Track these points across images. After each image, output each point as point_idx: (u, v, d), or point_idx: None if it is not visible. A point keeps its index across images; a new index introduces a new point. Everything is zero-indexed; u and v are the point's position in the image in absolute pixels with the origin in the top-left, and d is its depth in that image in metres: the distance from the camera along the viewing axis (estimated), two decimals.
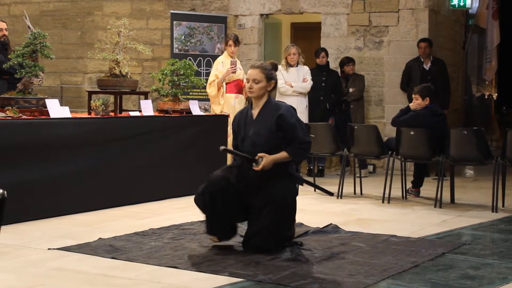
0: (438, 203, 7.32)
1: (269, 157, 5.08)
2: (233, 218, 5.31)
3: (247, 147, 5.22)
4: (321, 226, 6.03)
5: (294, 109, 5.38)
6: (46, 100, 6.66)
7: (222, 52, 9.52)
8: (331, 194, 5.90)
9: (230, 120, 8.47)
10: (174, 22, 10.64)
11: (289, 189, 5.21)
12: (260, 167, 5.07)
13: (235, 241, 5.33)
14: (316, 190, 5.90)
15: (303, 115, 9.38)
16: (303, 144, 5.18)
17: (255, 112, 5.30)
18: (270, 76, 5.28)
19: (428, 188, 8.12)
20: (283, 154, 5.13)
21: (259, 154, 5.10)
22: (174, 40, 10.61)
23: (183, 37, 10.61)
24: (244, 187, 5.20)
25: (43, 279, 4.32)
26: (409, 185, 8.08)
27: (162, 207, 7.09)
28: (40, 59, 6.87)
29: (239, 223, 5.44)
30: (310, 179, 8.70)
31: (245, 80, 5.55)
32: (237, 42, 8.89)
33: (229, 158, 7.65)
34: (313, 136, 8.32)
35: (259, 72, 5.26)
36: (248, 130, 5.25)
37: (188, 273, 4.52)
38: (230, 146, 5.84)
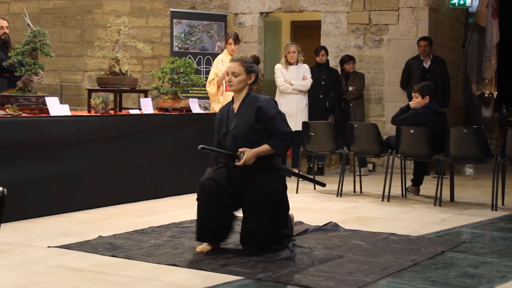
0: (437, 201, 7.32)
1: (250, 151, 5.01)
2: (228, 219, 5.17)
3: (229, 142, 5.14)
4: (320, 224, 6.04)
5: (275, 101, 5.33)
6: (46, 98, 6.67)
7: (222, 50, 9.51)
8: (323, 185, 5.85)
9: None
10: (174, 20, 10.64)
11: (276, 183, 5.09)
12: (242, 161, 5.00)
13: (234, 240, 5.32)
14: (315, 185, 5.84)
15: (303, 113, 9.39)
16: (283, 135, 5.09)
17: (235, 106, 5.21)
18: (250, 69, 5.19)
19: (428, 186, 8.12)
20: (264, 147, 5.05)
21: (240, 150, 5.03)
22: (174, 38, 10.60)
23: (183, 35, 10.61)
24: (233, 187, 5.11)
25: (43, 277, 4.32)
26: (408, 183, 8.08)
27: (161, 205, 7.09)
28: (40, 57, 6.87)
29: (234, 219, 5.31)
30: (310, 176, 8.72)
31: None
32: (237, 40, 8.89)
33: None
34: (313, 134, 8.34)
35: (239, 65, 5.17)
36: (229, 125, 5.17)
37: (188, 271, 4.52)
38: None
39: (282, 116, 5.19)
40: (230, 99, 5.38)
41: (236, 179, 5.10)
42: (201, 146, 5.07)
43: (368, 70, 10.52)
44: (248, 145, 5.05)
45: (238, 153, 5.04)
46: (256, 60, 5.34)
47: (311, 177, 5.60)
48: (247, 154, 5.00)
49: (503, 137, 7.36)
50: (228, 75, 5.21)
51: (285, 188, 5.19)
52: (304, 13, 11.10)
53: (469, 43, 13.81)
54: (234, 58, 5.35)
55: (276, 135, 5.08)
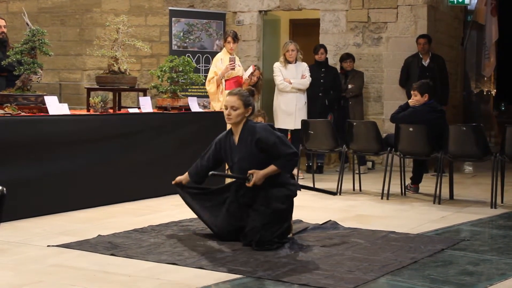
0: (437, 199, 7.33)
1: (259, 173, 5.20)
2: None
3: (237, 172, 5.36)
4: (320, 223, 6.04)
5: (271, 126, 5.48)
6: (45, 97, 6.67)
7: (221, 49, 9.51)
8: (333, 193, 5.98)
9: None
10: (173, 18, 10.63)
11: (284, 195, 5.27)
12: (251, 183, 5.20)
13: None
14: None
15: (302, 112, 9.39)
16: (289, 156, 5.23)
17: (235, 137, 5.40)
18: (247, 103, 5.36)
19: (427, 184, 8.13)
20: (272, 168, 5.22)
21: (250, 172, 5.23)
22: (172, 37, 10.60)
23: (181, 34, 10.60)
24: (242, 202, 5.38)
25: (42, 276, 4.32)
26: (408, 181, 8.08)
27: (161, 204, 7.09)
28: (39, 56, 6.87)
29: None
30: (309, 176, 8.73)
31: (222, 107, 5.67)
32: (236, 39, 8.88)
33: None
34: (312, 132, 8.34)
35: (237, 99, 5.33)
36: (233, 157, 5.38)
37: (187, 270, 4.53)
38: None
39: (282, 140, 5.32)
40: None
41: (244, 197, 5.37)
42: (211, 172, 5.38)
43: (367, 68, 10.53)
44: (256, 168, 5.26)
45: (247, 175, 5.23)
46: (252, 93, 5.52)
47: (322, 188, 5.76)
48: (256, 176, 5.20)
49: (502, 135, 7.36)
50: (226, 109, 5.36)
51: (291, 205, 5.34)
52: (303, 11, 11.11)
53: (468, 41, 13.82)
54: (231, 92, 5.50)
55: (283, 158, 5.24)
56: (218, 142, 5.53)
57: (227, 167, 5.71)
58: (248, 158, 5.27)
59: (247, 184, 5.23)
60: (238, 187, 5.39)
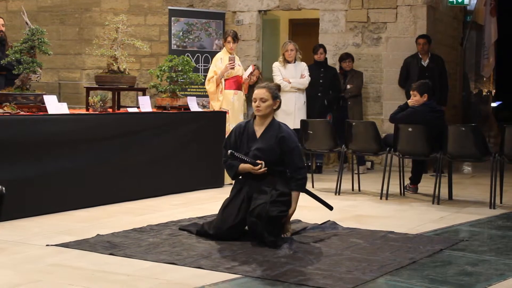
0: (436, 199, 7.33)
1: (293, 210, 5.48)
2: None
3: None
4: (319, 223, 6.04)
5: (295, 134, 5.69)
6: (44, 96, 6.66)
7: (220, 48, 9.50)
8: (330, 208, 6.05)
9: (229, 116, 8.47)
10: (172, 18, 10.63)
11: (284, 205, 5.41)
12: (261, 170, 5.38)
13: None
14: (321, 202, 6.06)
15: (301, 112, 9.38)
16: (299, 171, 5.49)
17: (258, 129, 5.56)
18: (275, 95, 5.57)
19: (426, 184, 8.13)
20: (295, 196, 5.47)
21: (259, 161, 5.40)
22: (172, 36, 10.60)
23: (181, 33, 10.60)
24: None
25: (41, 275, 4.32)
26: (407, 181, 8.08)
27: (160, 204, 7.09)
28: (38, 55, 6.86)
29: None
30: (308, 176, 8.71)
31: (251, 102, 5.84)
32: (236, 38, 8.88)
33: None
34: (311, 132, 8.34)
35: (266, 91, 5.53)
36: (251, 146, 5.51)
37: (186, 269, 4.53)
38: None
39: (300, 151, 5.60)
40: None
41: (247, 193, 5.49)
42: (230, 151, 5.44)
43: (366, 68, 10.53)
44: (267, 165, 5.42)
45: (258, 162, 5.41)
46: (279, 88, 5.76)
47: (323, 200, 5.90)
48: (291, 212, 5.47)
49: (501, 135, 7.36)
50: (255, 101, 5.54)
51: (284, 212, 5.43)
52: (302, 11, 11.11)
53: (467, 41, 13.82)
54: (260, 85, 5.74)
55: (292, 169, 5.49)
56: (234, 130, 5.66)
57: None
58: (266, 151, 5.43)
59: (253, 170, 5.37)
60: (242, 185, 5.51)
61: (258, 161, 5.41)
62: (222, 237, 5.33)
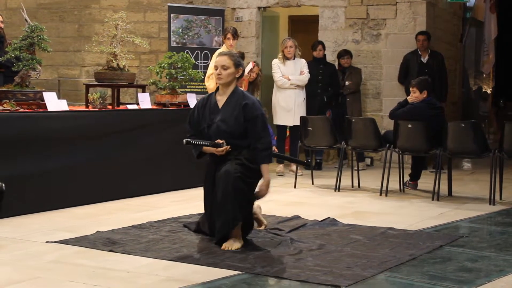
0: (435, 196, 7.33)
1: (267, 182, 5.12)
2: None
3: (213, 134, 5.23)
4: (318, 219, 6.04)
5: (260, 104, 5.41)
6: (44, 93, 6.66)
7: (220, 45, 9.48)
8: (307, 164, 5.86)
9: None
10: (172, 15, 10.62)
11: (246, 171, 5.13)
12: (222, 149, 5.13)
13: None
14: (298, 166, 5.75)
15: (301, 108, 9.38)
16: (263, 144, 5.13)
17: (221, 99, 5.32)
18: (238, 63, 5.32)
19: (426, 181, 8.13)
20: (264, 168, 5.13)
21: (218, 141, 5.14)
22: (171, 33, 10.59)
23: (180, 30, 10.59)
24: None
25: (40, 272, 4.32)
26: (406, 178, 8.08)
27: (159, 200, 7.09)
28: (38, 52, 6.86)
29: None
30: (308, 172, 8.72)
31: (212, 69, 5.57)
32: (235, 35, 8.87)
33: None
34: (310, 129, 8.34)
35: (228, 59, 5.29)
36: (214, 118, 5.26)
37: (186, 266, 4.53)
38: None
39: (264, 120, 5.27)
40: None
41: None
42: (186, 140, 5.18)
43: (366, 65, 10.52)
44: (231, 138, 5.16)
45: (217, 142, 5.15)
46: (242, 55, 5.44)
47: (294, 158, 5.57)
48: (265, 187, 5.12)
49: (501, 132, 7.36)
50: (217, 69, 5.31)
51: (251, 178, 5.16)
52: (302, 8, 11.10)
53: (467, 38, 13.81)
54: (222, 53, 5.50)
55: (254, 139, 5.14)
56: (199, 102, 5.46)
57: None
58: (229, 121, 5.18)
59: (216, 151, 5.15)
60: (213, 172, 5.24)
61: (219, 141, 5.14)
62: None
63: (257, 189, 5.19)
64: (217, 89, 5.41)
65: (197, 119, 5.38)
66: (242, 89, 5.40)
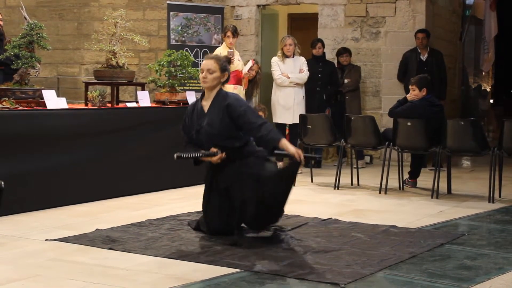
0: (435, 193, 7.33)
1: (293, 151, 5.03)
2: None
3: (204, 138, 5.25)
4: (318, 217, 6.04)
5: (242, 99, 5.44)
6: (43, 91, 6.66)
7: (219, 43, 9.48)
8: (314, 159, 5.85)
9: None
10: (171, 13, 10.62)
11: (257, 165, 5.19)
12: (217, 158, 5.14)
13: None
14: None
15: (300, 106, 9.38)
16: (266, 129, 5.11)
17: (206, 103, 5.33)
18: (224, 67, 5.31)
19: (425, 178, 8.13)
20: (283, 143, 5.07)
21: (212, 149, 5.16)
22: (170, 31, 10.58)
23: (179, 28, 10.59)
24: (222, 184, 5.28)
25: (40, 270, 4.32)
26: (406, 176, 8.08)
27: (159, 198, 7.09)
28: (37, 50, 6.85)
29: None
30: (307, 170, 8.72)
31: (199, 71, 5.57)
32: (235, 33, 8.87)
33: None
34: (310, 127, 8.34)
35: (214, 63, 5.29)
36: (201, 122, 5.27)
37: (186, 264, 4.53)
38: None
39: (252, 110, 5.31)
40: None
41: (222, 177, 5.26)
42: (176, 155, 5.18)
43: (365, 63, 10.52)
44: (222, 140, 5.17)
45: (212, 151, 5.16)
46: (228, 60, 5.45)
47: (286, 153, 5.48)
48: (298, 153, 5.02)
49: (500, 129, 7.36)
50: (202, 72, 5.30)
51: (269, 167, 5.21)
52: (301, 6, 11.09)
53: (466, 36, 13.81)
54: (208, 56, 5.48)
55: (254, 131, 5.15)
56: (189, 109, 5.46)
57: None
58: (217, 124, 5.19)
59: (212, 160, 5.16)
60: (213, 175, 5.30)
61: (213, 150, 5.15)
62: (214, 233, 5.30)
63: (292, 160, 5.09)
64: (203, 94, 5.40)
65: (188, 126, 5.41)
66: (224, 89, 5.40)
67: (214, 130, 5.20)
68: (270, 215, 5.24)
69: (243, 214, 5.16)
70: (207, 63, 5.30)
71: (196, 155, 5.20)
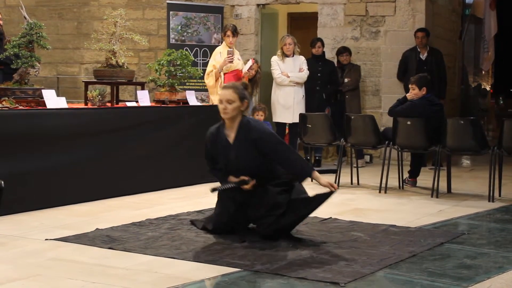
0: (434, 193, 7.33)
1: (325, 182, 5.24)
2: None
3: (232, 169, 5.24)
4: (318, 216, 6.03)
5: (266, 125, 5.51)
6: (43, 91, 6.66)
7: (219, 42, 9.48)
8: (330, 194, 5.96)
9: None
10: (171, 12, 10.61)
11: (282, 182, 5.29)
12: (250, 185, 5.15)
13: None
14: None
15: (300, 105, 9.39)
16: (302, 163, 5.28)
17: (230, 134, 5.27)
18: (243, 96, 5.22)
19: (425, 178, 8.13)
20: (315, 176, 5.25)
21: (243, 177, 5.15)
22: (170, 30, 10.58)
23: (179, 27, 10.59)
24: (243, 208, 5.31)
25: (40, 270, 4.32)
26: (405, 175, 8.08)
27: (159, 198, 7.09)
28: (37, 50, 6.85)
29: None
30: None
31: (217, 101, 5.56)
32: (235, 32, 8.87)
33: None
34: (310, 126, 8.34)
35: (232, 92, 5.19)
36: (228, 155, 5.24)
37: (185, 263, 4.53)
38: None
39: (279, 139, 5.29)
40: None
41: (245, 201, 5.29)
42: (212, 187, 5.23)
43: (365, 62, 10.52)
44: (251, 171, 5.17)
45: (246, 179, 5.16)
46: (245, 86, 5.40)
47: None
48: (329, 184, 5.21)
49: (500, 128, 7.36)
50: (221, 103, 5.21)
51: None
52: (301, 5, 11.09)
53: (466, 35, 13.81)
54: (226, 86, 5.39)
55: (286, 165, 5.24)
56: (209, 138, 5.40)
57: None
58: (245, 157, 5.18)
59: (245, 187, 5.16)
60: (232, 199, 5.33)
61: (244, 178, 5.14)
62: (220, 231, 5.31)
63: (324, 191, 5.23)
64: (223, 122, 5.33)
65: (211, 155, 5.38)
66: (246, 117, 5.32)
67: (243, 165, 5.18)
68: (289, 229, 5.30)
69: (276, 220, 5.17)
70: (225, 93, 5.20)
71: (230, 186, 5.20)
